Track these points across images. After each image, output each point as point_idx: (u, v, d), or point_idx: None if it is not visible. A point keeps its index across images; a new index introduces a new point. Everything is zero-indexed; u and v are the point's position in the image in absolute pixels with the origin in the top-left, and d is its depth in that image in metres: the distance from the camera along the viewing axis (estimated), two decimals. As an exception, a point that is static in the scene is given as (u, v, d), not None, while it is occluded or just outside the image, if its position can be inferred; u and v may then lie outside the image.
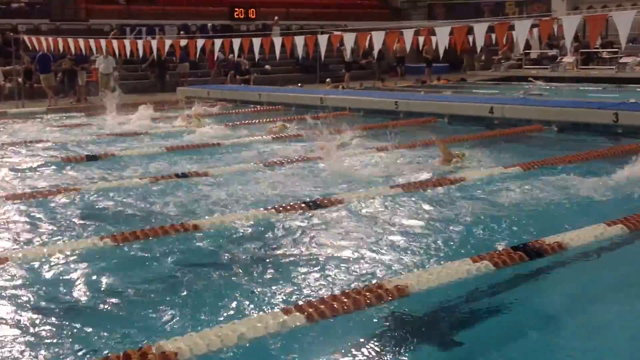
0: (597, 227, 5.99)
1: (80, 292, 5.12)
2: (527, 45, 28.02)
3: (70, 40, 20.92)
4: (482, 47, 16.19)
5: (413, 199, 7.61)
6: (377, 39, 16.54)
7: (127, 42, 20.99)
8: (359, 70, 28.41)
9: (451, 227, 6.57)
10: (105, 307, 4.88)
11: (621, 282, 5.33)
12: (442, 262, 5.35)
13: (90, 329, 4.47)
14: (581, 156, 9.63)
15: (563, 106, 13.98)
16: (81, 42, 20.94)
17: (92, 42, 20.87)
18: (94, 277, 5.40)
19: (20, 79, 21.61)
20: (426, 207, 7.32)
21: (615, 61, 26.68)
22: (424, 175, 8.83)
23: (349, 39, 17.32)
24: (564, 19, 14.05)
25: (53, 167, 10.16)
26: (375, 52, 19.71)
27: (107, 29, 27.40)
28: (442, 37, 15.37)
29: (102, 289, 5.17)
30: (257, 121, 15.45)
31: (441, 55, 16.59)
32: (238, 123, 15.23)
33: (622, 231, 5.99)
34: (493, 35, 19.11)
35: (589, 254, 5.73)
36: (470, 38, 17.49)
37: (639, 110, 12.62)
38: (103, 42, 20.92)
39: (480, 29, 14.77)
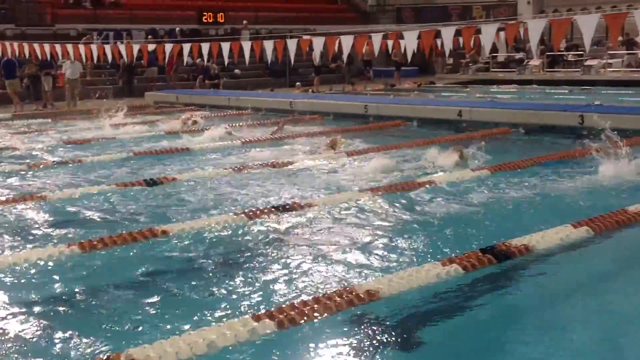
0: (563, 229, 6.07)
1: (46, 301, 5.05)
2: (495, 49, 28.34)
3: (36, 46, 20.66)
4: (451, 50, 16.32)
5: (382, 202, 7.63)
6: (346, 42, 16.61)
7: (94, 47, 20.79)
8: (328, 74, 28.46)
9: (421, 231, 6.61)
10: (73, 315, 4.82)
11: (586, 282, 5.40)
12: (412, 266, 5.36)
13: (57, 338, 4.42)
14: (548, 158, 9.76)
15: (530, 109, 14.16)
16: (47, 47, 20.69)
17: (58, 47, 20.63)
18: (60, 286, 5.34)
19: (-16, 85, 21.30)
20: (395, 210, 7.36)
21: (580, 64, 27.08)
22: (393, 179, 8.87)
23: (318, 43, 17.37)
24: (529, 23, 14.23)
25: (19, 173, 10.01)
26: (345, 56, 19.76)
27: (73, 33, 27.11)
28: (410, 40, 15.48)
29: (69, 297, 5.11)
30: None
31: (409, 58, 16.69)
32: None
33: (588, 233, 6.07)
34: (461, 39, 19.28)
35: (555, 255, 5.80)
36: (439, 42, 17.63)
37: (604, 112, 12.83)
38: (70, 47, 20.69)
39: (447, 33, 14.90)
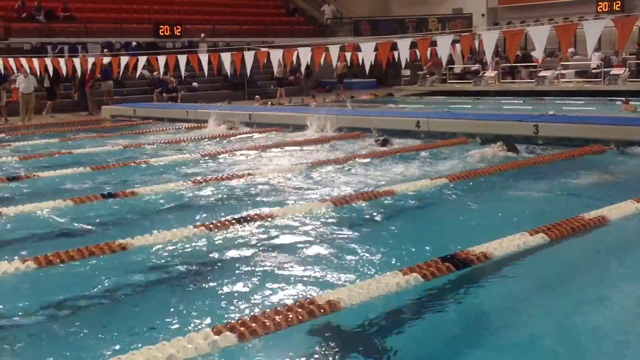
0: (520, 236, 6.16)
1: (3, 318, 4.93)
2: (451, 61, 28.73)
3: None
4: (407, 61, 16.53)
5: (342, 212, 7.65)
6: (304, 55, 16.68)
7: (48, 61, 20.49)
8: (287, 86, 28.51)
9: (380, 240, 6.64)
10: (30, 332, 4.72)
11: (543, 287, 5.49)
12: (372, 276, 5.38)
13: (10, 356, 4.31)
14: (503, 167, 9.91)
15: (486, 119, 14.38)
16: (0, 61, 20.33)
17: (11, 61, 20.28)
18: (15, 302, 5.21)
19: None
20: (356, 220, 7.39)
21: (534, 75, 27.62)
22: (353, 189, 8.91)
23: (276, 55, 17.40)
24: (483, 34, 14.52)
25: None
26: (303, 68, 19.85)
27: (27, 47, 26.65)
28: (367, 52, 15.62)
29: (24, 314, 4.99)
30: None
31: (367, 70, 16.81)
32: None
33: (544, 239, 6.17)
34: (417, 51, 19.52)
35: (512, 262, 5.88)
36: (396, 54, 17.82)
37: (557, 122, 13.10)
38: (24, 60, 20.36)
39: (404, 45, 15.08)
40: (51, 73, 21.61)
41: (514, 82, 28.78)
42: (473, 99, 25.63)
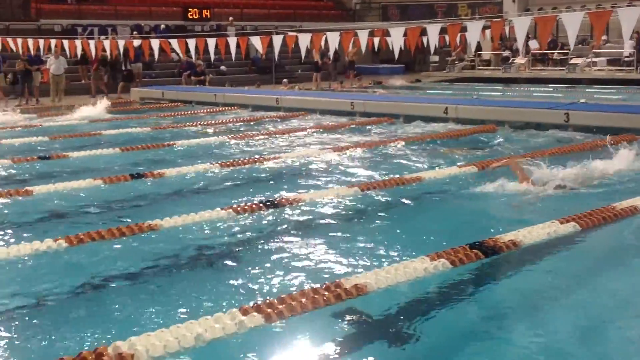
0: (550, 224, 6.10)
1: (35, 294, 5.02)
2: (480, 47, 28.48)
3: (20, 41, 20.49)
4: (436, 48, 16.38)
5: (370, 198, 7.64)
6: (332, 39, 16.62)
7: (78, 43, 20.65)
8: (311, 71, 28.44)
9: (409, 226, 6.63)
10: (60, 308, 4.80)
11: (573, 278, 5.44)
12: (400, 261, 5.37)
13: (45, 331, 4.40)
14: (534, 155, 9.79)
15: (515, 106, 14.23)
16: (31, 42, 20.54)
17: (42, 42, 20.47)
18: (48, 279, 5.30)
19: (-32, 80, 21.11)
20: (383, 206, 7.37)
21: (565, 62, 27.26)
22: (381, 174, 8.89)
23: (304, 40, 17.35)
24: (514, 20, 14.32)
25: (5, 167, 9.93)
26: (331, 53, 19.77)
27: (57, 29, 26.90)
28: (396, 38, 15.52)
29: (57, 290, 5.08)
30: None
31: (396, 56, 16.71)
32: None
33: (574, 228, 6.11)
34: (447, 37, 19.35)
35: (542, 251, 5.83)
36: (424, 39, 17.69)
37: (589, 110, 12.92)
38: (54, 42, 20.54)
39: (433, 30, 14.95)
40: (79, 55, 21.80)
41: (544, 69, 28.43)
42: (503, 85, 25.37)
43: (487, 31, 18.76)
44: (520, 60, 28.12)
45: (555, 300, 4.97)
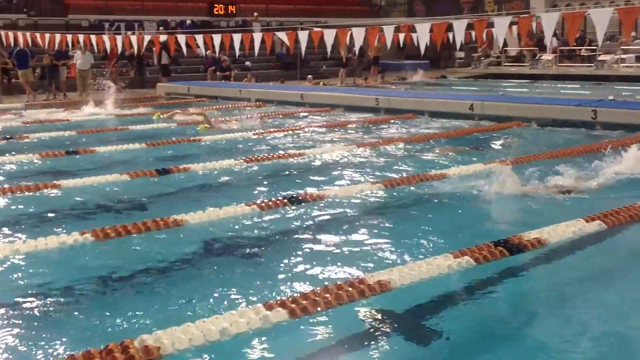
0: (575, 222, 6.05)
1: (62, 287, 5.09)
2: (506, 43, 28.21)
3: (48, 36, 20.72)
4: (461, 43, 16.28)
5: (393, 194, 7.63)
6: (358, 35, 16.58)
7: (105, 38, 20.84)
8: (337, 66, 28.40)
9: (433, 223, 6.60)
10: (87, 301, 4.85)
11: (599, 277, 5.40)
12: (423, 258, 5.37)
13: (72, 323, 4.46)
14: (560, 152, 9.72)
15: (542, 103, 14.11)
16: (59, 37, 20.76)
17: (69, 37, 20.68)
18: (74, 272, 5.37)
19: (-3, 75, 21.39)
20: (407, 202, 7.36)
21: (593, 59, 26.93)
22: (405, 171, 8.87)
23: (330, 36, 17.33)
24: (542, 16, 14.17)
25: (33, 162, 10.07)
26: (357, 49, 19.72)
27: (85, 24, 27.16)
28: (422, 33, 15.45)
29: (84, 284, 5.14)
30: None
31: (422, 52, 16.63)
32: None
33: (600, 227, 6.05)
34: (472, 33, 19.22)
35: (567, 249, 5.78)
36: (450, 35, 17.59)
37: (617, 107, 12.77)
38: (81, 37, 20.74)
39: (459, 26, 14.86)
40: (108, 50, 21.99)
41: (572, 66, 28.11)
42: (529, 82, 25.13)
43: (514, 27, 18.62)
44: (547, 56, 27.83)
45: (580, 299, 4.94)
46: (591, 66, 26.64)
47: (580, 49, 28.18)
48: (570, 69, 27.42)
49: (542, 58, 28.01)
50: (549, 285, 5.25)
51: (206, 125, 13.36)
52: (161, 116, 15.10)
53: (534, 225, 6.03)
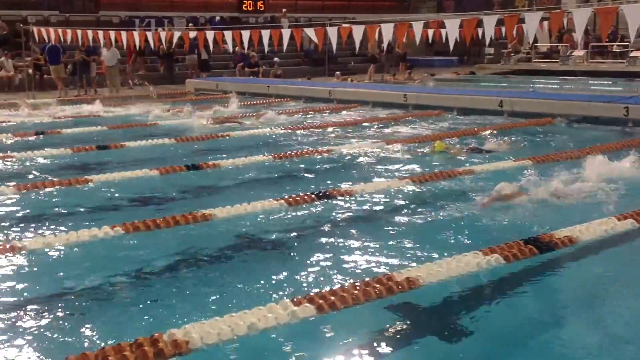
0: (607, 221, 5.97)
1: (93, 280, 5.15)
2: (536, 39, 27.90)
3: (79, 32, 20.96)
4: (491, 39, 16.11)
5: (423, 190, 7.60)
6: (386, 31, 16.52)
7: (136, 34, 21.01)
8: (365, 63, 28.34)
9: (462, 220, 6.56)
10: (117, 295, 4.91)
11: (631, 276, 5.32)
12: (452, 255, 5.34)
13: (102, 316, 4.51)
14: (591, 150, 9.59)
15: (573, 100, 13.93)
16: (90, 33, 20.98)
17: (100, 33, 20.89)
18: (104, 266, 5.43)
19: (30, 71, 21.68)
20: (436, 199, 7.32)
21: (625, 55, 26.52)
22: (434, 167, 8.83)
23: (358, 32, 17.29)
24: (574, 12, 13.98)
25: (65, 157, 10.21)
26: (385, 45, 19.67)
27: (116, 20, 27.42)
28: (451, 29, 15.33)
29: (114, 277, 5.19)
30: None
31: (451, 48, 16.54)
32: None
33: (633, 225, 5.97)
34: (502, 28, 19.05)
35: (599, 248, 5.71)
36: (480, 31, 17.46)
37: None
38: (112, 33, 20.93)
39: (489, 22, 14.73)
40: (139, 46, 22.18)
41: (603, 62, 27.71)
42: (560, 78, 24.84)
43: (545, 23, 18.39)
44: (578, 52, 27.47)
45: (612, 298, 4.87)
46: (623, 62, 26.23)
47: (612, 45, 27.75)
48: (602, 65, 27.03)
49: (573, 54, 27.65)
50: (579, 284, 5.19)
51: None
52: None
53: (564, 223, 5.97)
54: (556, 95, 15.93)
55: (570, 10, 15.69)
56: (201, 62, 25.41)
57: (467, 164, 8.92)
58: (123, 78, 23.00)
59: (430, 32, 22.23)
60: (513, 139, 10.91)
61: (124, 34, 20.91)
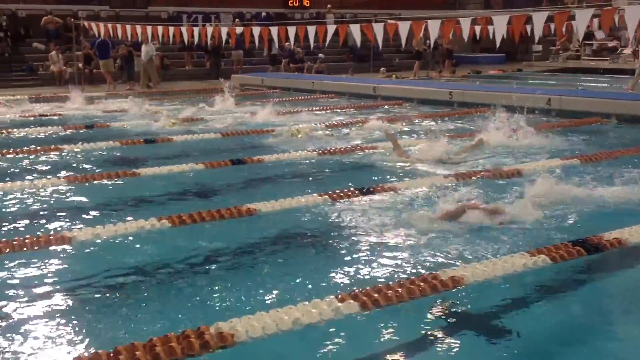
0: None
1: (139, 271, 5.25)
2: (585, 36, 27.38)
3: (128, 27, 21.28)
4: (540, 37, 15.87)
5: (468, 189, 7.54)
6: (433, 28, 16.40)
7: (183, 29, 21.25)
8: (410, 59, 28.16)
9: (510, 220, 6.47)
10: (164, 287, 4.99)
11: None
12: (498, 255, 5.29)
13: (149, 309, 4.59)
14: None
15: (623, 99, 13.64)
16: (138, 28, 21.28)
17: (149, 29, 21.18)
18: (152, 258, 5.53)
19: (80, 65, 22.11)
20: (481, 197, 7.24)
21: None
22: (479, 165, 8.75)
23: (404, 28, 17.20)
24: (626, 9, 13.67)
25: (111, 150, 10.40)
26: (431, 42, 19.50)
27: (164, 16, 27.77)
28: (499, 26, 15.15)
29: (161, 269, 5.29)
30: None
31: (498, 44, 16.32)
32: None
33: (684, 228, 5.83)
34: (551, 25, 18.75)
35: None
36: (528, 27, 17.21)
37: None
38: (160, 28, 21.18)
39: (539, 19, 14.50)
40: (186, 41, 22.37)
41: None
42: (609, 77, 24.32)
43: (595, 20, 18.05)
44: (628, 50, 26.86)
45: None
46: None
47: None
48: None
49: (623, 52, 27.05)
50: (626, 286, 5.10)
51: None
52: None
53: (611, 225, 5.86)
54: (605, 93, 15.61)
55: (622, 7, 15.35)
56: (271, 57, 25.91)
57: (515, 163, 8.80)
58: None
59: (477, 28, 21.96)
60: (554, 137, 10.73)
61: (171, 30, 21.16)
